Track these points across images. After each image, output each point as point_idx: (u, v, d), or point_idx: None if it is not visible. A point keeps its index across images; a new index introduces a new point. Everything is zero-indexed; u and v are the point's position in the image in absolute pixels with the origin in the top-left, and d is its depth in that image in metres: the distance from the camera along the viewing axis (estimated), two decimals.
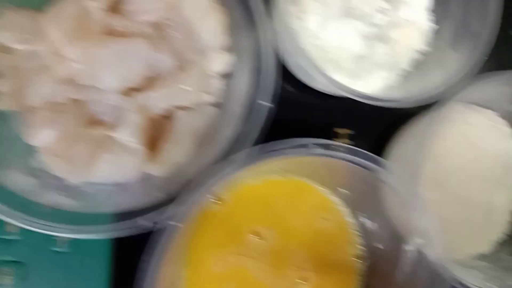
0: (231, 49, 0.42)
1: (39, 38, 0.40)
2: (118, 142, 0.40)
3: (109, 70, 0.39)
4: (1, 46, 0.40)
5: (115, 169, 0.40)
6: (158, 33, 0.41)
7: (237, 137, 0.38)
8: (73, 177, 0.40)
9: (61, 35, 0.39)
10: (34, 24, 0.40)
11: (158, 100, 0.40)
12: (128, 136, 0.39)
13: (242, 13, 0.40)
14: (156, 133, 0.41)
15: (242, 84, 0.40)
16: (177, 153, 0.41)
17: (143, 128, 0.40)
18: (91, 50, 0.39)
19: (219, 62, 0.41)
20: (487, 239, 0.44)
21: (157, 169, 0.40)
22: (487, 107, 0.46)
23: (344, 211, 0.43)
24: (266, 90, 0.38)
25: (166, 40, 0.41)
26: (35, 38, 0.40)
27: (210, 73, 0.42)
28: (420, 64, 0.46)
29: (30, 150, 0.40)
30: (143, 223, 0.36)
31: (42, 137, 0.39)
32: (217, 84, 0.42)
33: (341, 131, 0.47)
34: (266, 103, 0.37)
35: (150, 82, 0.41)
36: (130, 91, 0.41)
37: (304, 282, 0.42)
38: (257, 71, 0.38)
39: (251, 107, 0.38)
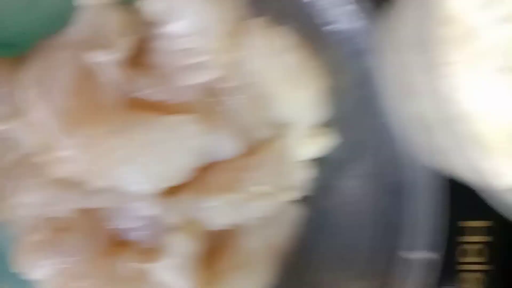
0: (333, 123, 0.26)
1: (19, 113, 0.24)
2: (157, 280, 0.25)
3: (135, 166, 0.24)
4: None
5: None
6: (210, 101, 0.25)
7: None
8: None
9: (54, 119, 0.23)
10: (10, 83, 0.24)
11: (216, 213, 0.25)
12: (174, 272, 0.25)
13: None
14: (210, 248, 0.27)
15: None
16: (248, 286, 0.26)
17: (196, 257, 0.25)
18: (104, 142, 0.23)
19: (311, 146, 0.26)
20: None
21: None
22: None
23: None
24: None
25: (224, 111, 0.25)
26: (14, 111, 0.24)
27: (295, 161, 0.26)
28: None
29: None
30: None
31: (39, 271, 0.25)
32: (302, 175, 0.27)
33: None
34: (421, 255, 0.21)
35: (200, 177, 0.26)
36: (173, 190, 0.26)
37: None
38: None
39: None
